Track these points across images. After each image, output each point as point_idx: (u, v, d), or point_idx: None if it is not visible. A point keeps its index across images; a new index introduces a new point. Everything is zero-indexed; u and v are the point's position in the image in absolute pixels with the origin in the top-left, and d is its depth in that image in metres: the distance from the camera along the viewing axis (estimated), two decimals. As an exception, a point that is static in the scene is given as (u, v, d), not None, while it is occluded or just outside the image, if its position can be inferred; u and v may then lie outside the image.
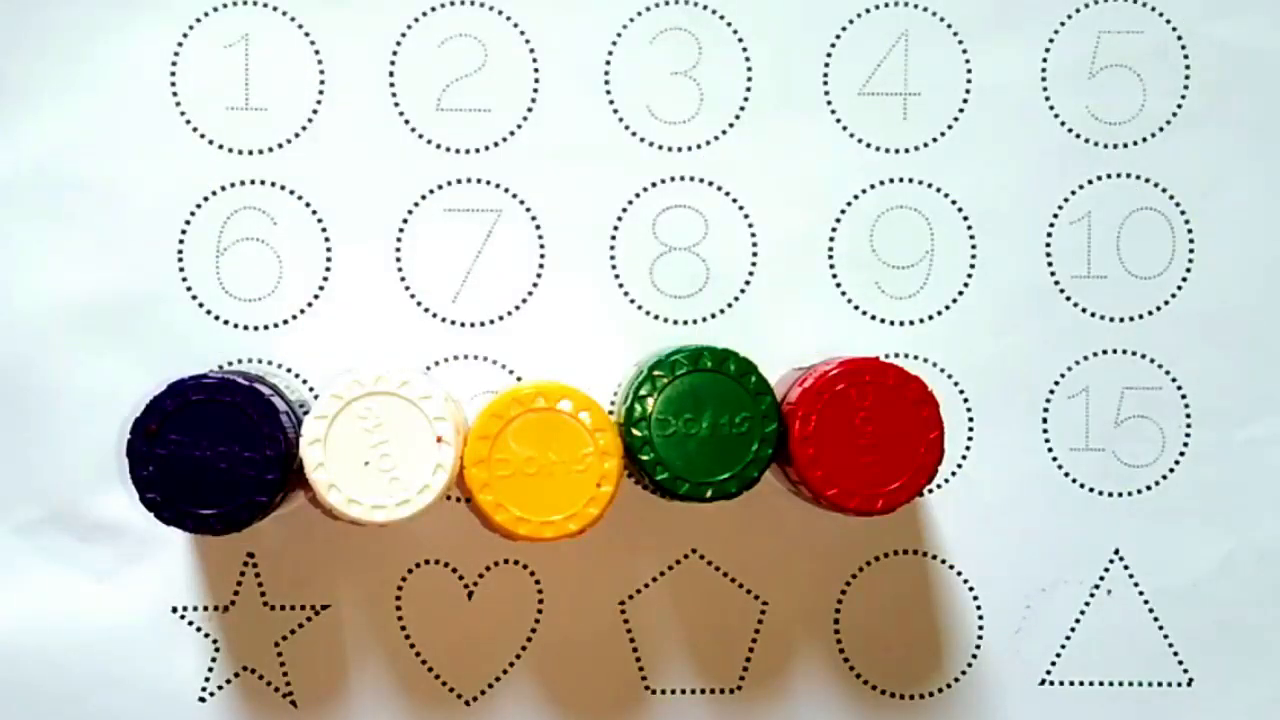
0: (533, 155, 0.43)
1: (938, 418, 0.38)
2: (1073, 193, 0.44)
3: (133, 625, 0.42)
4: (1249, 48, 0.44)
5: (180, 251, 0.42)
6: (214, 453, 0.36)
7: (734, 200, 0.43)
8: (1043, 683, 0.44)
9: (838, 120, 0.43)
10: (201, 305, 0.42)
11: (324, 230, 0.42)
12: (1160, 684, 0.44)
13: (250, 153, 0.42)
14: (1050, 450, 0.44)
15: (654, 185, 0.43)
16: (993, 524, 0.43)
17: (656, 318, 0.43)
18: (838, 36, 0.43)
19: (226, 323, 0.42)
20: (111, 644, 0.42)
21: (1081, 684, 0.44)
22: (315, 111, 0.42)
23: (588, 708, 0.43)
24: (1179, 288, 0.44)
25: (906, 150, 0.44)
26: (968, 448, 0.43)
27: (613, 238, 0.43)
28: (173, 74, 0.42)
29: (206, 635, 0.42)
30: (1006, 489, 0.44)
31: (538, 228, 0.43)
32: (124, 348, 0.42)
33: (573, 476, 0.37)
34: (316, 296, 0.42)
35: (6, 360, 0.42)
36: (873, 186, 0.43)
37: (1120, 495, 0.44)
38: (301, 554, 0.42)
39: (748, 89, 0.43)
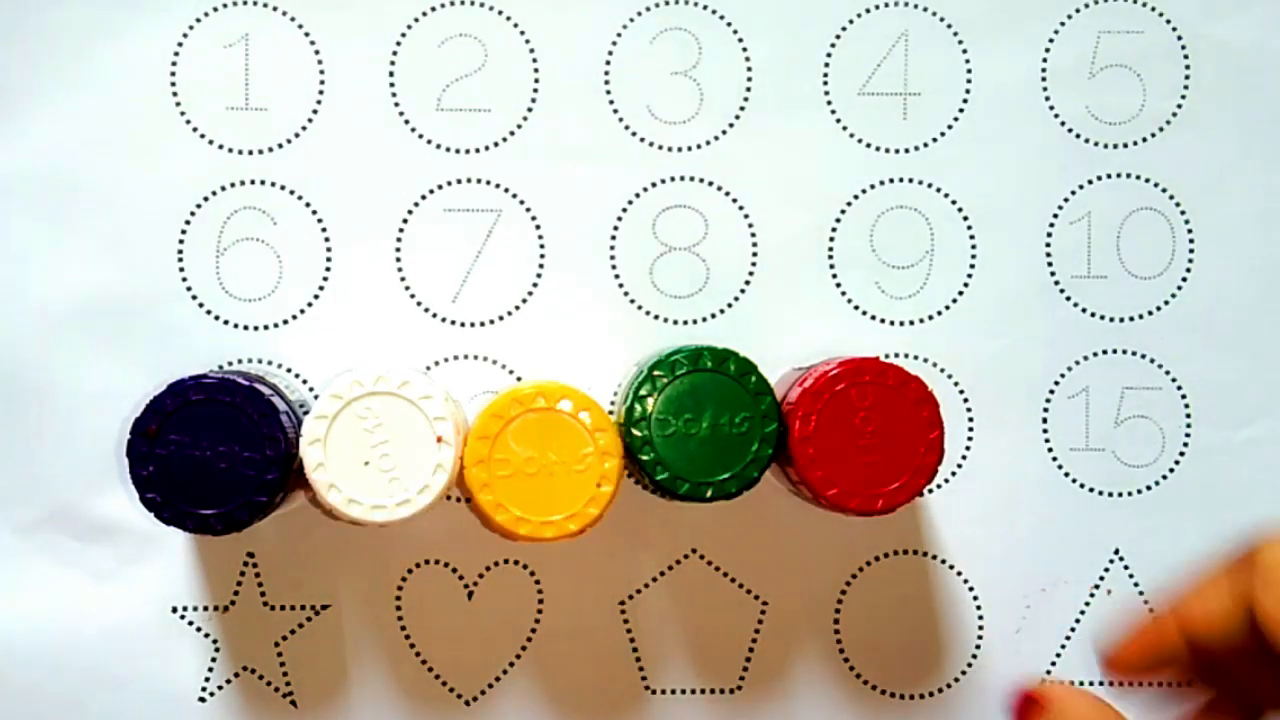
0: (533, 155, 0.43)
1: (938, 418, 0.38)
2: (1073, 193, 0.44)
3: (133, 625, 0.42)
4: (1249, 48, 0.44)
5: (180, 251, 0.42)
6: (214, 453, 0.36)
7: (734, 200, 0.43)
8: (1043, 682, 0.44)
9: (838, 120, 0.43)
10: (201, 305, 0.42)
11: (324, 230, 0.42)
12: (1160, 683, 0.44)
13: (250, 153, 0.42)
14: (1050, 450, 0.44)
15: (654, 185, 0.43)
16: (993, 524, 0.43)
17: (656, 318, 0.43)
18: (838, 36, 0.43)
19: (226, 323, 0.42)
20: (111, 644, 0.42)
21: (1082, 684, 0.44)
22: (315, 111, 0.42)
23: (588, 708, 0.43)
24: (1179, 288, 0.44)
25: (906, 150, 0.44)
26: (968, 448, 0.43)
27: (613, 238, 0.43)
28: (173, 74, 0.42)
29: (206, 635, 0.42)
30: (1006, 489, 0.44)
31: (538, 228, 0.43)
32: (124, 348, 0.42)
33: (573, 476, 0.37)
34: (316, 296, 0.42)
35: (6, 360, 0.42)
36: (873, 186, 0.43)
37: (1120, 495, 0.44)
38: (301, 554, 0.42)
39: (748, 89, 0.43)
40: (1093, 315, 0.44)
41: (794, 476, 0.39)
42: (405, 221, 0.43)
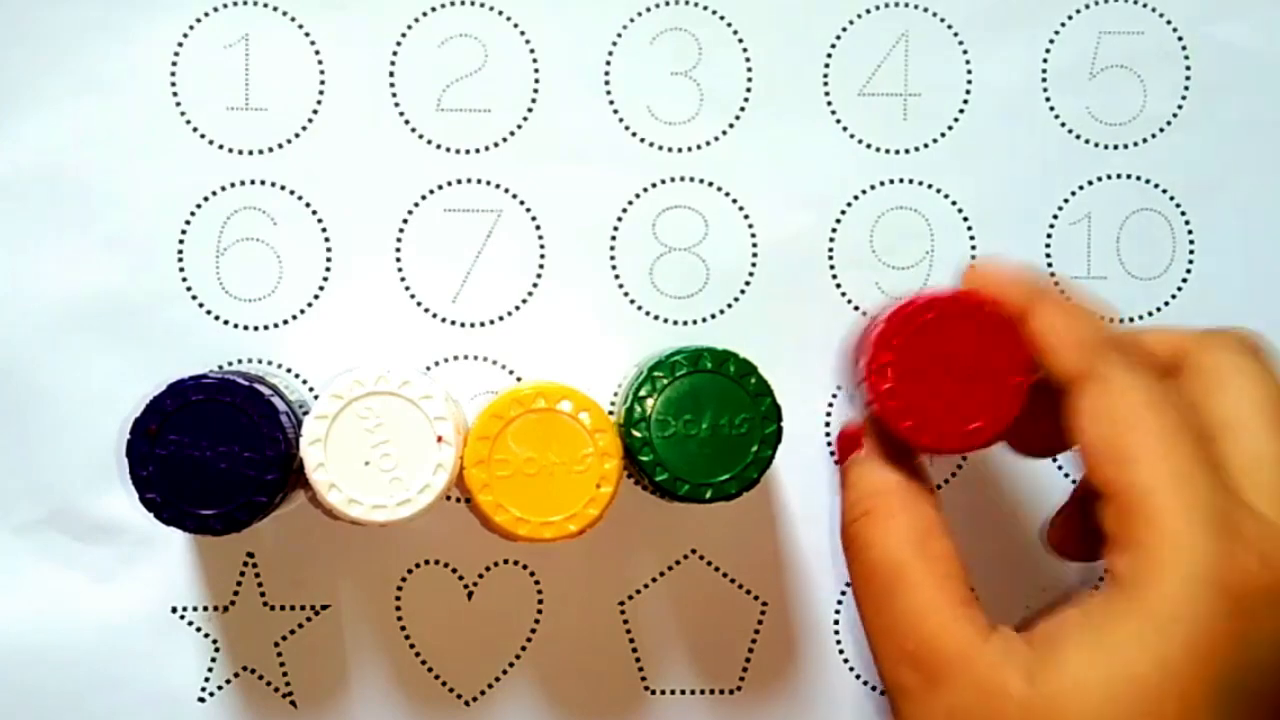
0: (533, 155, 0.43)
1: (1028, 364, 0.36)
2: (1073, 193, 0.44)
3: (133, 625, 0.42)
4: (1249, 48, 0.44)
5: (180, 251, 0.42)
6: (214, 453, 0.36)
7: (734, 200, 0.43)
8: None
9: (838, 120, 0.43)
10: (201, 305, 0.42)
11: (324, 230, 0.42)
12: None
13: (250, 153, 0.42)
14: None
15: (654, 185, 0.43)
16: (992, 523, 0.43)
17: (656, 318, 0.43)
18: (838, 37, 0.43)
19: (226, 323, 0.42)
20: (111, 644, 0.42)
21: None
22: (315, 111, 0.42)
23: (588, 708, 0.43)
24: (1179, 288, 0.44)
25: (906, 150, 0.44)
26: (968, 448, 0.43)
27: (613, 238, 0.43)
28: (173, 74, 0.42)
29: (206, 635, 0.42)
30: (1006, 488, 0.44)
31: (538, 228, 0.43)
32: (124, 348, 0.42)
33: (572, 477, 0.37)
34: (316, 296, 0.42)
35: (6, 360, 0.42)
36: (873, 187, 0.43)
37: (1120, 495, 0.44)
38: (301, 554, 0.42)
39: (748, 89, 0.43)
40: (1093, 315, 0.44)
41: (869, 396, 0.37)
42: (405, 221, 0.43)
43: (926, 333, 0.36)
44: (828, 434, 0.43)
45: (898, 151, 0.43)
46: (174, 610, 0.42)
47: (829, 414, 0.43)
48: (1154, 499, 0.32)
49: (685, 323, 0.43)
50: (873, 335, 0.37)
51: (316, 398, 0.37)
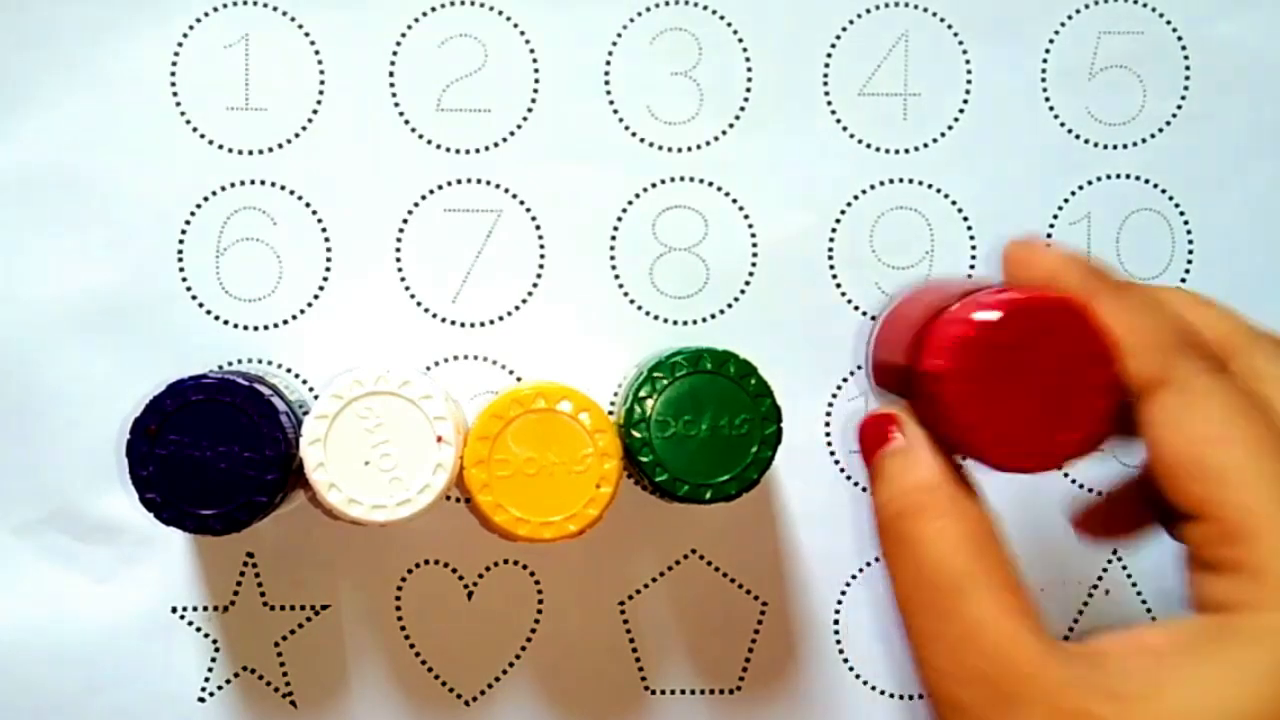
0: (533, 155, 0.43)
1: (1112, 383, 0.31)
2: (1073, 193, 0.44)
3: (133, 625, 0.42)
4: (1249, 48, 0.44)
5: (180, 251, 0.42)
6: (214, 453, 0.36)
7: (734, 200, 0.43)
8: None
9: (838, 120, 0.43)
10: (201, 305, 0.42)
11: (324, 230, 0.42)
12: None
13: (250, 153, 0.42)
14: (1050, 450, 0.44)
15: (654, 185, 0.43)
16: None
17: (656, 318, 0.43)
18: (838, 36, 0.43)
19: (226, 323, 0.42)
20: (111, 644, 0.42)
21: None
22: (315, 111, 0.42)
23: (588, 708, 0.43)
24: (1178, 288, 0.44)
25: (906, 150, 0.44)
26: (967, 448, 0.43)
27: (613, 238, 0.43)
28: (173, 74, 0.42)
29: (206, 635, 0.42)
30: (1007, 489, 0.44)
31: (538, 228, 0.43)
32: (124, 348, 0.42)
33: (572, 477, 0.37)
34: (316, 296, 0.42)
35: (6, 360, 0.42)
36: (873, 187, 0.43)
37: (1120, 495, 0.44)
38: (301, 554, 0.42)
39: (748, 89, 0.43)
40: (1092, 316, 0.44)
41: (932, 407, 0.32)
42: (405, 221, 0.43)
43: (1002, 337, 0.30)
44: (828, 434, 0.43)
45: (898, 151, 0.43)
46: (174, 610, 0.42)
47: (829, 414, 0.43)
48: (1254, 520, 0.29)
49: (685, 323, 0.43)
50: (933, 332, 0.31)
51: (316, 398, 0.37)
